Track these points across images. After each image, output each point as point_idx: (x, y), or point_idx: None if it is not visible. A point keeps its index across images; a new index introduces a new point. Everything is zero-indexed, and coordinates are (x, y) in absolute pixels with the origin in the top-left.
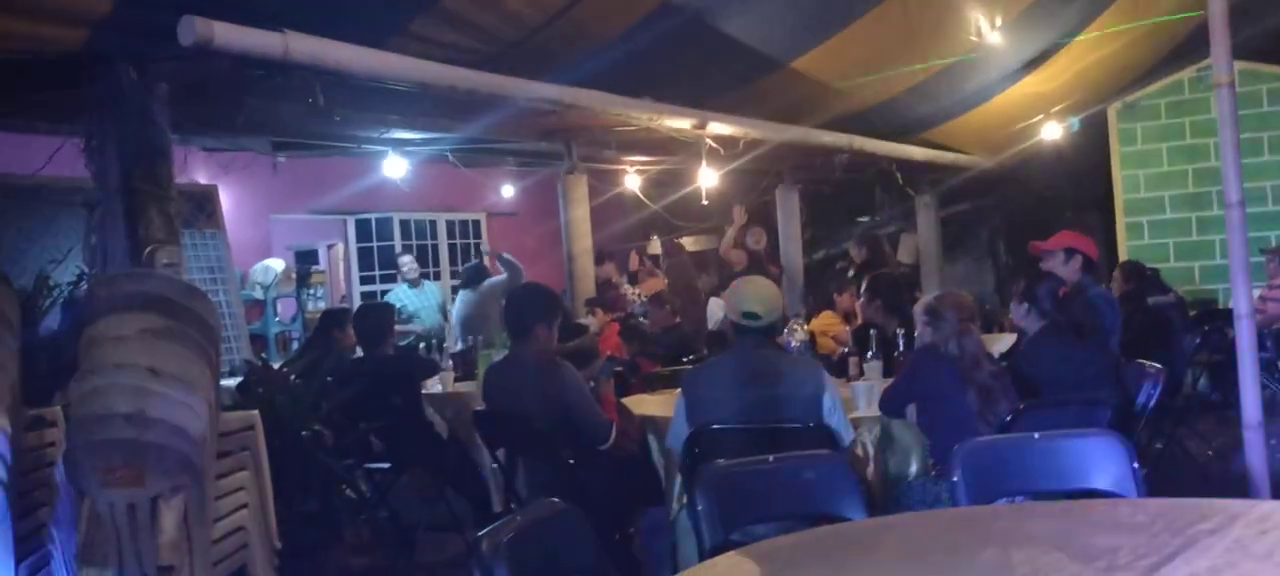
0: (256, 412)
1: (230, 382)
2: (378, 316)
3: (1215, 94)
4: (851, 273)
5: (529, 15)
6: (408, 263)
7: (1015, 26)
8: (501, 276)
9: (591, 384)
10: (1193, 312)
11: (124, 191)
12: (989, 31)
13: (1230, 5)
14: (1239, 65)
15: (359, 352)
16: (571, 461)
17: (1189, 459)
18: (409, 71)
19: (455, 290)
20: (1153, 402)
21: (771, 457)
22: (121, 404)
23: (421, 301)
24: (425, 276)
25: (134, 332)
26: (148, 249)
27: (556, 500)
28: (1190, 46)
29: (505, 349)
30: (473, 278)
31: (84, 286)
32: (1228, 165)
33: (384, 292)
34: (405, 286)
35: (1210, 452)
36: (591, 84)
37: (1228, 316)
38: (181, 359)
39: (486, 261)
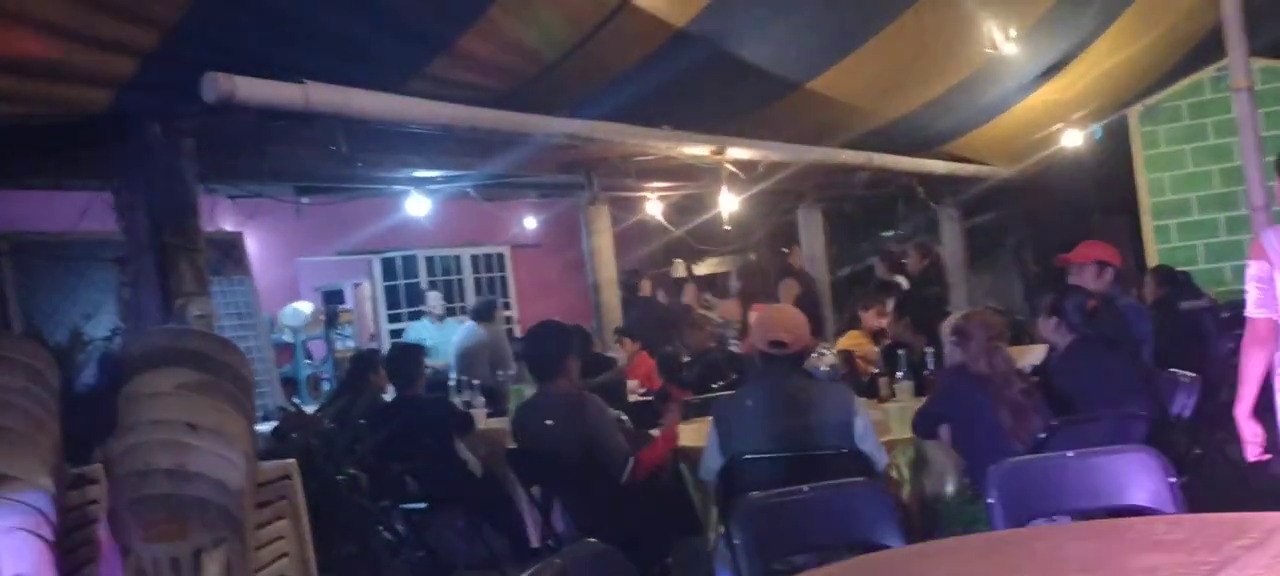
0: (293, 461)
1: (264, 428)
2: (408, 356)
3: (1234, 98)
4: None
5: (545, 52)
6: (435, 299)
7: (1030, 36)
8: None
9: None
10: (1225, 315)
11: (154, 246)
12: (1004, 42)
13: (1248, 4)
14: (1260, 63)
15: (391, 393)
16: (606, 495)
17: (1229, 464)
18: (429, 114)
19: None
20: (1188, 412)
21: (806, 487)
22: (161, 459)
23: (442, 337)
24: (452, 311)
25: (171, 388)
26: (179, 302)
27: (593, 541)
28: (1209, 46)
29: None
30: (483, 312)
31: (118, 341)
32: (1250, 170)
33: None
34: (428, 321)
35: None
36: (610, 115)
37: None
38: (218, 412)
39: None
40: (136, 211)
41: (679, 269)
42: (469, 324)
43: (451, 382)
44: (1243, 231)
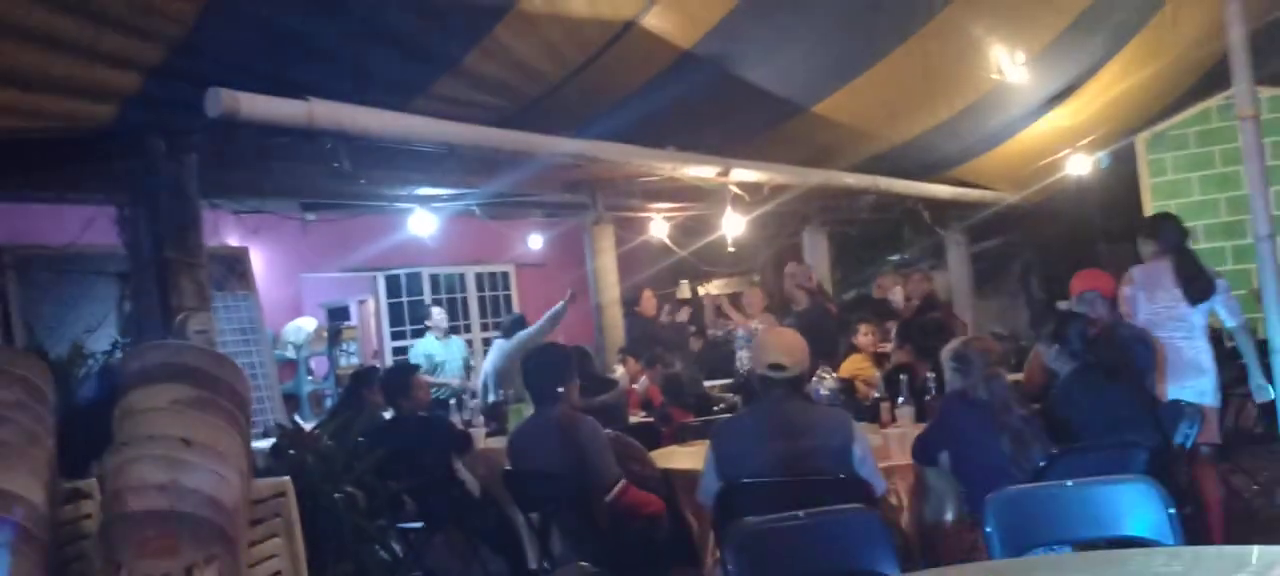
0: (288, 479)
1: (263, 444)
2: (398, 374)
3: (1240, 126)
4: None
5: (551, 71)
6: (438, 315)
7: (1038, 62)
8: (536, 326)
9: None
10: (1230, 343)
11: (156, 261)
12: (1011, 68)
13: (1255, 33)
14: (1267, 92)
15: (392, 411)
16: (602, 518)
17: (1234, 495)
18: (433, 132)
19: (488, 341)
20: (1191, 442)
21: (802, 513)
22: (155, 474)
23: (447, 353)
24: (455, 330)
25: (166, 403)
26: (179, 317)
27: (586, 565)
28: (1217, 74)
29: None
30: (511, 328)
31: (118, 355)
32: (1255, 198)
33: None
34: (432, 336)
35: (1256, 486)
36: (615, 136)
37: (1264, 348)
38: (213, 428)
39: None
40: (139, 226)
41: (684, 290)
42: (499, 342)
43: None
44: (1249, 260)
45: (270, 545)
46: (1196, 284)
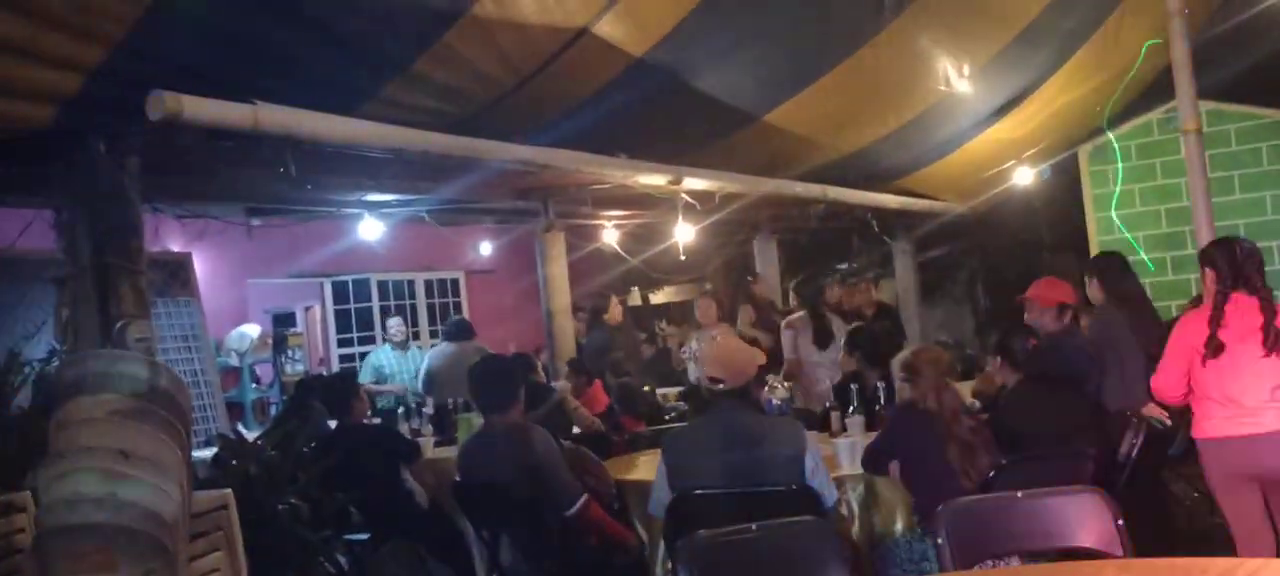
0: (229, 491)
1: (204, 454)
2: (339, 385)
3: (1183, 139)
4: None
5: (502, 77)
6: (395, 326)
7: (983, 74)
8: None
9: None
10: None
11: (95, 266)
12: (957, 80)
13: (1193, 49)
14: (1205, 105)
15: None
16: (553, 530)
17: (1176, 502)
18: (382, 138)
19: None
20: (1136, 451)
21: (754, 526)
22: (92, 487)
23: (403, 365)
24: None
25: (103, 414)
26: (119, 324)
27: None
28: (1158, 89)
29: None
30: (456, 333)
31: (55, 363)
32: (1199, 212)
33: (362, 354)
34: (389, 348)
35: (1196, 494)
36: (566, 143)
37: None
38: (152, 440)
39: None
40: (77, 230)
41: (634, 297)
42: (441, 345)
43: (422, 408)
44: (1189, 270)
45: (211, 559)
46: (821, 333)
